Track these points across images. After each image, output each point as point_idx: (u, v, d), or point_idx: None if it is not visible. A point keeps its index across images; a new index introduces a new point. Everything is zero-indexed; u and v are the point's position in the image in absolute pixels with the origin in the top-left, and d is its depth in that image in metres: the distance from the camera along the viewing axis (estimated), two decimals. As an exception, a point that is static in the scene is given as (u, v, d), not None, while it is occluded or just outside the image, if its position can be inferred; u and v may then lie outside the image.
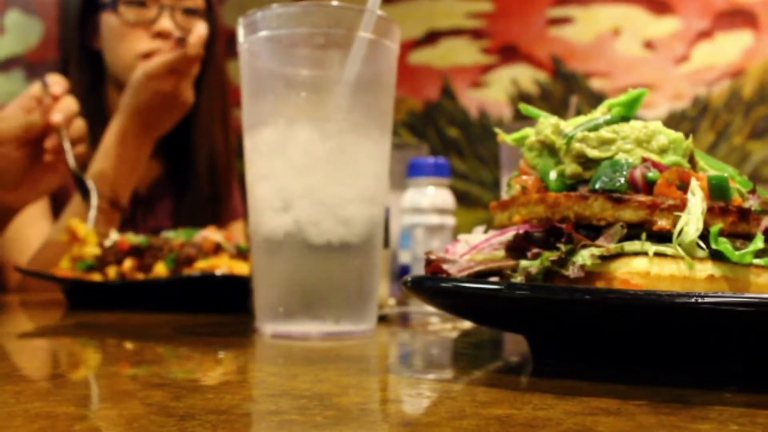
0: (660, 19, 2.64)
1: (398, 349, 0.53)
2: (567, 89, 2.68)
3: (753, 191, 0.41)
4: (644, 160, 0.41)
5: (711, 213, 0.38)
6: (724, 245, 0.37)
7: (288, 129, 0.55)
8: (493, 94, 2.80)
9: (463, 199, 2.36)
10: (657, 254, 0.37)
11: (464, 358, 0.48)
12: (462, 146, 2.81)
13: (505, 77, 2.79)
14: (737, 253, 0.37)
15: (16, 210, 1.07)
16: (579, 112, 0.64)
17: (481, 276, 0.41)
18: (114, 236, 0.86)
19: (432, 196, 1.07)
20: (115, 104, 1.27)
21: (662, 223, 0.38)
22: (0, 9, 3.14)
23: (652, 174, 0.40)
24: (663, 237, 0.38)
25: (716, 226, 0.37)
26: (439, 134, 2.84)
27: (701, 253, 0.37)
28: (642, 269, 0.37)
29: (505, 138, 0.49)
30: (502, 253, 0.42)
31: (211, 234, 0.84)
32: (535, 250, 0.39)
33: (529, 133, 0.47)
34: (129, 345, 0.51)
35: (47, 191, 1.05)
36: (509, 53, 2.79)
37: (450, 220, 1.08)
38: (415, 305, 0.81)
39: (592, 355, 0.39)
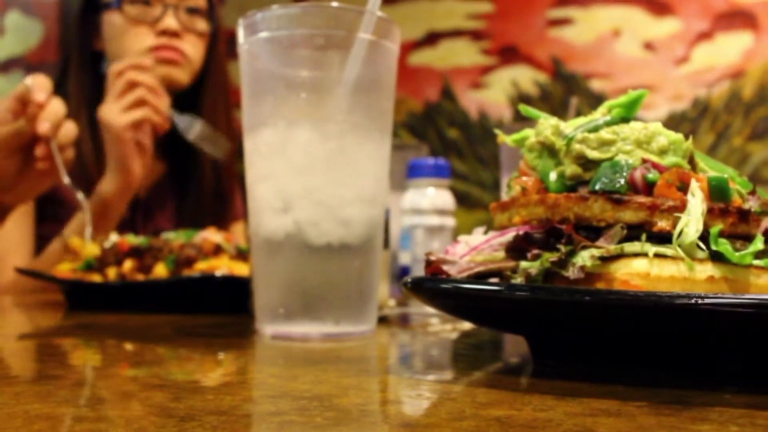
0: (660, 20, 2.65)
1: (398, 350, 0.53)
2: (567, 90, 2.68)
3: (753, 192, 0.41)
4: (644, 161, 0.41)
5: (711, 214, 0.38)
6: (724, 246, 0.37)
7: (288, 130, 0.55)
8: (493, 95, 2.80)
9: (463, 200, 2.36)
10: (657, 255, 0.37)
11: (464, 359, 0.48)
12: (462, 147, 2.81)
13: (505, 78, 2.79)
14: (737, 254, 0.37)
15: (9, 208, 1.07)
16: (579, 113, 0.64)
17: (481, 277, 0.41)
18: (114, 237, 0.86)
19: (432, 197, 1.07)
20: None
21: (662, 224, 0.38)
22: (0, 10, 3.14)
23: (652, 175, 0.40)
24: (663, 238, 0.38)
25: (716, 227, 0.37)
26: (439, 135, 2.84)
27: (701, 254, 0.37)
28: (642, 270, 0.37)
29: (505, 139, 0.49)
30: (502, 254, 0.42)
31: (211, 235, 0.84)
32: (535, 251, 0.39)
33: (529, 134, 0.47)
34: (129, 346, 0.51)
35: (41, 191, 1.05)
36: (509, 54, 2.79)
37: (450, 221, 1.08)
38: (415, 306, 0.81)
39: (592, 356, 0.39)
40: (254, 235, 0.56)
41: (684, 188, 0.39)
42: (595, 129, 0.43)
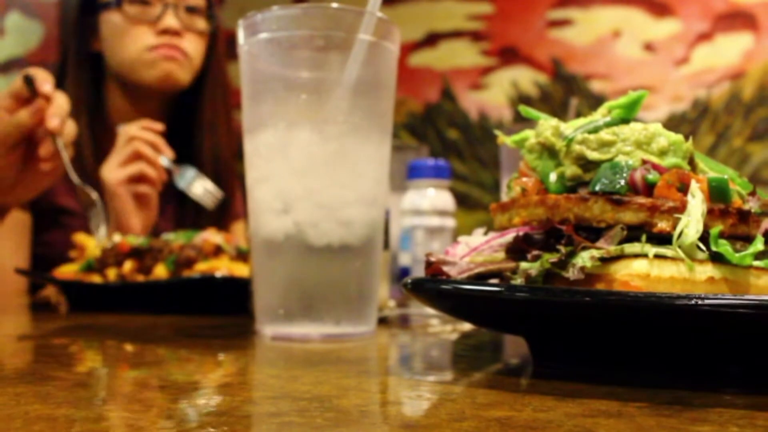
0: (660, 21, 2.65)
1: (398, 351, 0.53)
2: (567, 91, 2.68)
3: (753, 193, 0.41)
4: (644, 162, 0.41)
5: (711, 215, 0.38)
6: (724, 247, 0.37)
7: (288, 131, 0.55)
8: (493, 96, 2.81)
9: (463, 201, 2.36)
10: (657, 256, 0.37)
11: (464, 360, 0.48)
12: (462, 148, 2.82)
13: (505, 79, 2.79)
14: (737, 255, 0.37)
15: (7, 209, 1.06)
16: (579, 114, 0.64)
17: (481, 278, 0.41)
18: (114, 238, 0.86)
19: (432, 198, 1.07)
20: (115, 104, 1.28)
21: (662, 225, 0.38)
22: (0, 11, 3.14)
23: (652, 176, 0.40)
24: (663, 239, 0.38)
25: (716, 228, 0.37)
26: (439, 136, 2.84)
27: (701, 255, 0.37)
28: (642, 271, 0.37)
29: (505, 140, 0.49)
30: (502, 255, 0.42)
31: (211, 236, 0.84)
32: (535, 252, 0.39)
33: (529, 135, 0.47)
34: (129, 347, 0.51)
35: (42, 190, 1.04)
36: (509, 55, 2.79)
37: (450, 222, 1.08)
38: (415, 307, 0.81)
39: (592, 357, 0.39)
40: (254, 236, 0.56)
41: (684, 189, 0.39)
42: (595, 130, 0.43)
